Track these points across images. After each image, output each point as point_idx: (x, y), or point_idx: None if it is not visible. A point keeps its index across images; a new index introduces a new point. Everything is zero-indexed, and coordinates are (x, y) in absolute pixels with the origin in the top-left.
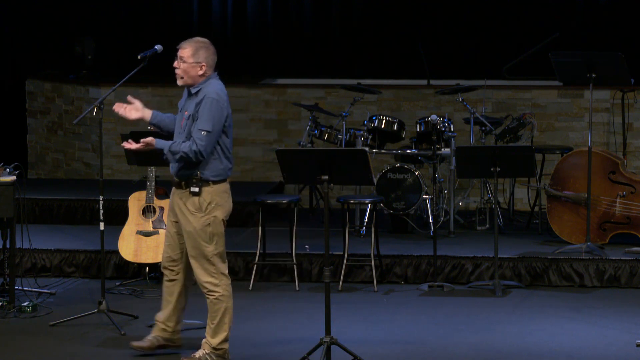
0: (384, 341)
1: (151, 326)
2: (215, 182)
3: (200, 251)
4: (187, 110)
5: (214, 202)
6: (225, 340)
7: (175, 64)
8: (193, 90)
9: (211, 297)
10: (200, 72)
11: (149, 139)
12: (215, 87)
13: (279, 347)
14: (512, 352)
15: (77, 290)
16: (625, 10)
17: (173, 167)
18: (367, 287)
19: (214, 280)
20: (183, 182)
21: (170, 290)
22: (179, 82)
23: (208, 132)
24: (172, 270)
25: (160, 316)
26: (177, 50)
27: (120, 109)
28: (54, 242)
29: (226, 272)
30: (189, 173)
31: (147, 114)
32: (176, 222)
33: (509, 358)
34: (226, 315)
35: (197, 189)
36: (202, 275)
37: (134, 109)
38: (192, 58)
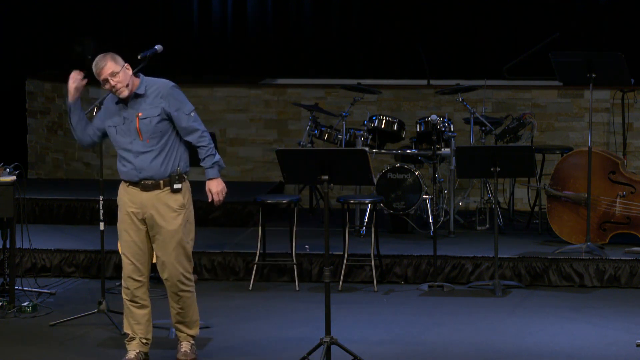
0: (384, 341)
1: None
2: (186, 175)
3: (183, 249)
4: (140, 112)
5: (188, 196)
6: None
7: (109, 85)
8: (140, 91)
9: (187, 293)
10: (130, 73)
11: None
12: (161, 79)
13: (279, 347)
14: (512, 352)
15: (77, 290)
16: (625, 10)
17: (150, 169)
18: (367, 287)
19: (190, 277)
20: (162, 182)
21: (143, 312)
22: (126, 93)
23: (193, 111)
24: (140, 297)
25: (141, 331)
26: (99, 76)
27: (77, 77)
28: (54, 242)
29: None
30: (171, 170)
31: (75, 97)
32: (144, 229)
33: (509, 358)
34: (196, 305)
35: (180, 186)
36: (181, 273)
37: (77, 85)
38: (117, 67)
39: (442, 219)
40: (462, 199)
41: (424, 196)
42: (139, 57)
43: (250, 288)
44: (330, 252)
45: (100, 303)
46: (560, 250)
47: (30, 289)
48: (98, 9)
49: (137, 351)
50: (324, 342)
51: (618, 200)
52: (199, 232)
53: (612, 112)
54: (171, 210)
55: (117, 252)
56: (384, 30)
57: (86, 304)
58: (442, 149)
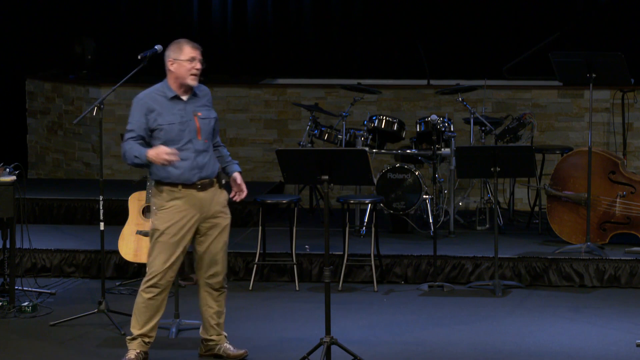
0: (384, 341)
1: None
2: None
3: (227, 245)
4: (199, 112)
5: None
6: None
7: (192, 65)
8: (197, 91)
9: (225, 290)
10: None
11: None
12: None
13: (279, 347)
14: (512, 352)
15: (77, 290)
16: (625, 10)
17: (208, 168)
18: (367, 287)
19: None
20: (215, 179)
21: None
22: (196, 83)
23: None
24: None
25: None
26: (192, 51)
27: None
28: (54, 242)
29: None
30: (217, 168)
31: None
32: (209, 227)
33: (509, 358)
34: None
35: (224, 182)
36: (225, 269)
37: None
38: None
39: (442, 219)
40: (462, 199)
41: (424, 196)
42: (139, 57)
43: (250, 288)
44: (330, 252)
45: (100, 303)
46: (560, 250)
47: (30, 289)
48: (98, 9)
49: (138, 351)
50: (324, 342)
51: (618, 200)
52: None
53: (612, 112)
54: (223, 206)
55: (117, 252)
56: (384, 30)
57: (86, 304)
58: (442, 149)
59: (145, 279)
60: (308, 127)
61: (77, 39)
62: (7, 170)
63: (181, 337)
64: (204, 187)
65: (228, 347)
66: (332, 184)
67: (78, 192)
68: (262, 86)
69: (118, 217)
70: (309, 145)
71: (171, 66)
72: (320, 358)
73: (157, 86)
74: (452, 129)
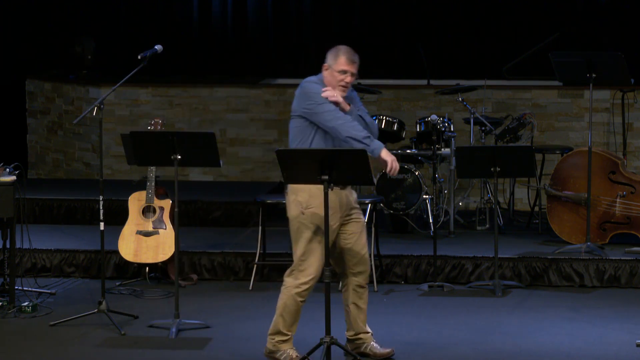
0: (383, 341)
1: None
2: None
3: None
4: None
5: None
6: None
7: (343, 77)
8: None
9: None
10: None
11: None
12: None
13: None
14: (512, 352)
15: (77, 290)
16: (625, 10)
17: None
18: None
19: None
20: None
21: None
22: (343, 94)
23: None
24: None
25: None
26: (347, 64)
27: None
28: (54, 242)
29: None
30: None
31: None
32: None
33: (509, 358)
34: None
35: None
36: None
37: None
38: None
39: (442, 219)
40: (462, 199)
41: (424, 196)
42: (139, 57)
43: (250, 288)
44: None
45: (100, 303)
46: (560, 250)
47: (30, 289)
48: (98, 9)
49: (294, 348)
50: (324, 342)
51: (618, 200)
52: (199, 232)
53: (612, 112)
54: (357, 204)
55: (117, 252)
56: (384, 30)
57: (86, 304)
58: (442, 149)
59: (299, 281)
60: None
61: (77, 39)
62: (7, 170)
63: (181, 337)
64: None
65: (374, 346)
66: (332, 184)
67: (78, 192)
68: (262, 86)
69: (118, 217)
70: None
71: (325, 70)
72: (320, 358)
73: (320, 78)
74: (452, 129)
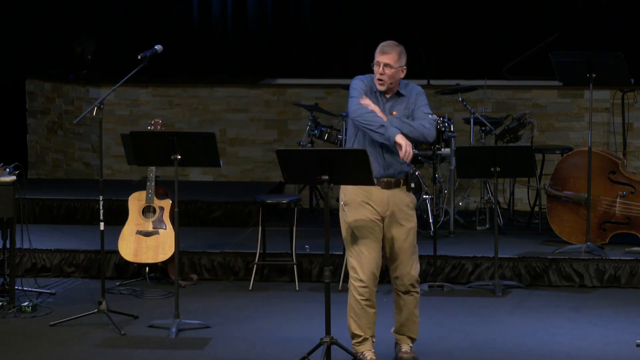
0: (384, 341)
1: (151, 326)
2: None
3: (415, 247)
4: (394, 111)
5: None
6: None
7: (377, 69)
8: (402, 92)
9: (416, 294)
10: (402, 75)
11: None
12: (415, 85)
13: (279, 347)
14: (512, 352)
15: (77, 290)
16: (625, 10)
17: (395, 167)
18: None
19: (418, 278)
20: (402, 180)
21: (374, 312)
22: (383, 88)
23: (431, 113)
24: (373, 296)
25: (371, 331)
26: (377, 55)
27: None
28: (54, 242)
29: None
30: (406, 169)
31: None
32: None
33: (509, 358)
34: None
35: (413, 185)
36: (415, 272)
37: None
38: (395, 63)
39: (442, 219)
40: (462, 199)
41: (424, 196)
42: (139, 57)
43: (250, 288)
44: (330, 252)
45: (100, 303)
46: (560, 250)
47: (30, 289)
48: (98, 9)
49: (373, 351)
50: (324, 342)
51: (618, 200)
52: (199, 232)
53: (612, 112)
54: (409, 209)
55: (117, 252)
56: (384, 30)
57: (86, 304)
58: (442, 149)
59: (358, 284)
60: (308, 127)
61: (77, 39)
62: (7, 170)
63: (181, 337)
64: (388, 186)
65: (402, 351)
66: (332, 184)
67: (78, 192)
68: (262, 86)
69: (118, 217)
70: (309, 145)
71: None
72: (321, 358)
73: (371, 75)
74: (452, 129)
